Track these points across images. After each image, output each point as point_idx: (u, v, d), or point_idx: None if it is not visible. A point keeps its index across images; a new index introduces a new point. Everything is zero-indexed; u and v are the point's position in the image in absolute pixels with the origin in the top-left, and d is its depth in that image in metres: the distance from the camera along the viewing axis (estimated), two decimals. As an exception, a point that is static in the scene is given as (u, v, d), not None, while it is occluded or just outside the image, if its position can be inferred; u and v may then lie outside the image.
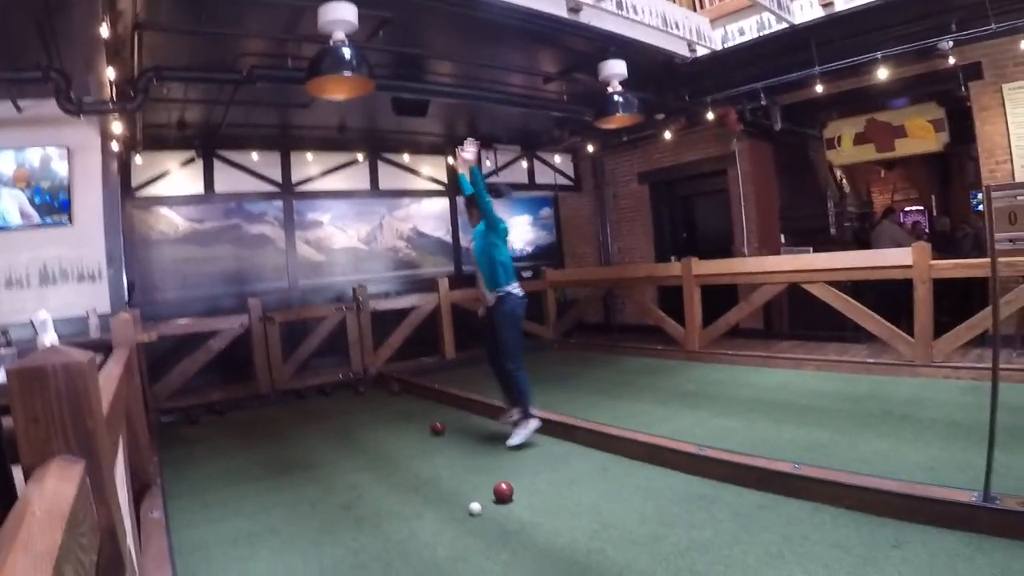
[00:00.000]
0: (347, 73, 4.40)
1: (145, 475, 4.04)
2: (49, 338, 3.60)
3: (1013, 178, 6.50)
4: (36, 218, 5.96)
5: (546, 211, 12.07)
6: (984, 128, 6.81)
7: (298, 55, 5.56)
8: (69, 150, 6.02)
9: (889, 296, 7.02)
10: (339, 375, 7.33)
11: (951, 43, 6.02)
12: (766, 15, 6.22)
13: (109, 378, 2.41)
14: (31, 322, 4.42)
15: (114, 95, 5.60)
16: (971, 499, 2.91)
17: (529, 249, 11.74)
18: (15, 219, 5.87)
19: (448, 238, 10.82)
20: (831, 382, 6.06)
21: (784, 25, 6.13)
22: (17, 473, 1.39)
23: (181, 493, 4.35)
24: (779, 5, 5.91)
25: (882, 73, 6.49)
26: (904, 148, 8.22)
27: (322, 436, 5.71)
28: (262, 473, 4.77)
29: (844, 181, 9.66)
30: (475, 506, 3.62)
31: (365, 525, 3.58)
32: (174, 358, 7.11)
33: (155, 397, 6.63)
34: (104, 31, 4.48)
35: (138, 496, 3.78)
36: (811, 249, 7.80)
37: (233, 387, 7.60)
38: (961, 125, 7.48)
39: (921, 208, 12.24)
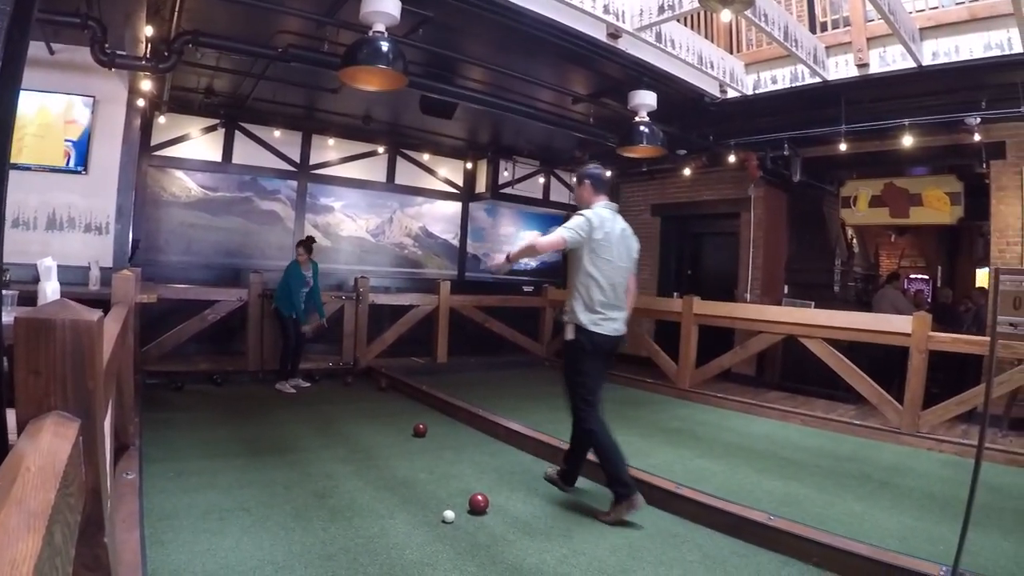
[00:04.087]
0: (382, 65, 4.43)
1: (125, 435, 4.03)
2: (51, 286, 3.58)
3: (1022, 261, 6.51)
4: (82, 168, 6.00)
5: (555, 229, 11.99)
6: (999, 207, 6.84)
7: (335, 40, 5.58)
8: (95, 100, 6.02)
9: (882, 361, 7.02)
10: (329, 363, 7.30)
11: (978, 119, 6.09)
12: (800, 67, 6.27)
13: (107, 336, 2.41)
14: (37, 266, 4.41)
15: (148, 53, 5.62)
16: (939, 573, 2.92)
17: (533, 264, 11.73)
18: (59, 162, 5.89)
19: (455, 242, 10.85)
20: (815, 438, 6.06)
21: (817, 79, 6.18)
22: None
23: (158, 458, 4.33)
24: (815, 59, 5.96)
25: (907, 140, 6.55)
26: (918, 216, 8.24)
27: (304, 421, 5.71)
28: (240, 449, 4.76)
29: (854, 241, 9.66)
30: (448, 514, 3.62)
31: (337, 516, 3.58)
32: (166, 321, 7.12)
33: (143, 358, 6.61)
34: (148, -12, 4.52)
35: (115, 456, 3.77)
36: (812, 304, 7.80)
37: (222, 359, 7.59)
38: (977, 201, 7.52)
39: (926, 277, 12.25)
